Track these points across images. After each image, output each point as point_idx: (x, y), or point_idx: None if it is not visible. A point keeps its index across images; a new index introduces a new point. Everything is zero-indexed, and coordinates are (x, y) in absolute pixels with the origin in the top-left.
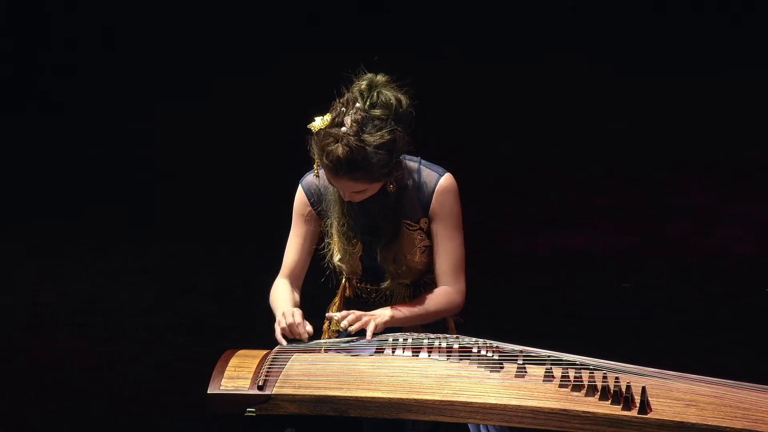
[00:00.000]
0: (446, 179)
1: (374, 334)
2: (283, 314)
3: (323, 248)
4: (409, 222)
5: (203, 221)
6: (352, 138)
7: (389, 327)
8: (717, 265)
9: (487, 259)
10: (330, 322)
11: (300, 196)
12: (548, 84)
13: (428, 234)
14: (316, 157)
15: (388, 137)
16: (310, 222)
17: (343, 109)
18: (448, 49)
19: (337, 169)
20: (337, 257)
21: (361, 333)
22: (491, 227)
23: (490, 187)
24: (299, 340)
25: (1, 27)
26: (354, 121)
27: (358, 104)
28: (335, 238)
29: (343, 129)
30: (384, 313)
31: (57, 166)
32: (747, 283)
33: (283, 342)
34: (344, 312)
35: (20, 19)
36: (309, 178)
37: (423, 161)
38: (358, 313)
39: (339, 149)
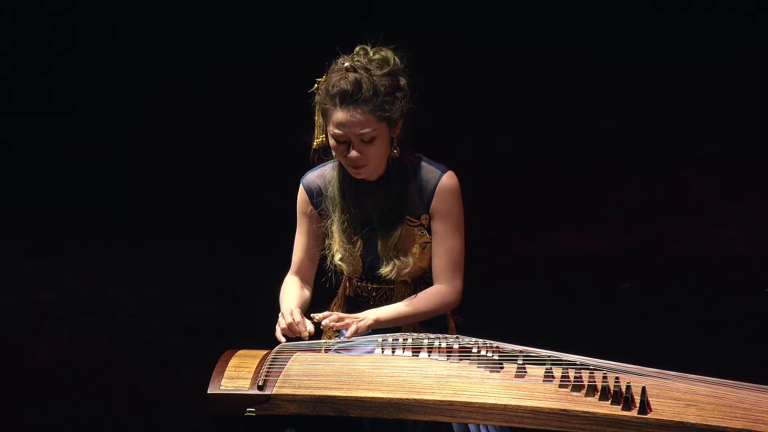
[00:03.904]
0: (448, 177)
1: (373, 334)
2: (283, 314)
3: (324, 249)
4: (409, 218)
5: (203, 221)
6: (359, 65)
7: (387, 328)
8: (717, 265)
9: (486, 259)
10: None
11: (301, 195)
12: (548, 83)
13: (429, 230)
14: (320, 110)
15: (390, 69)
16: (314, 220)
17: (342, 61)
18: (447, 48)
19: (344, 95)
20: (338, 256)
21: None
22: (490, 227)
23: (490, 187)
24: (300, 339)
25: (2, 27)
26: (357, 62)
27: (357, 58)
28: (336, 236)
29: (347, 64)
30: (368, 316)
31: (56, 165)
32: (747, 283)
33: (283, 340)
34: (326, 312)
35: (20, 19)
36: (309, 176)
37: (425, 158)
38: (340, 314)
39: (349, 76)
